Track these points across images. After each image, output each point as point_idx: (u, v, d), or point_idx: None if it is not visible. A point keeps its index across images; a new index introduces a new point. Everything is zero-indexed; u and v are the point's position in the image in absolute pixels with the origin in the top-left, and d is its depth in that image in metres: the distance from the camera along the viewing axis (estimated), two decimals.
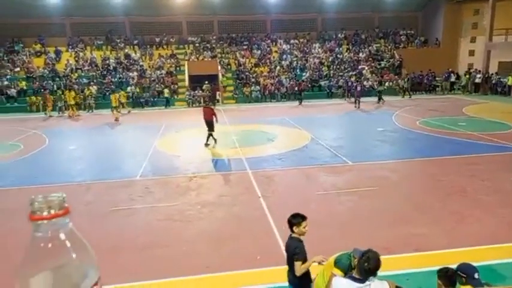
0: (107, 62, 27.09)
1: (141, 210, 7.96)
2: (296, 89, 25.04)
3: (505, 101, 22.25)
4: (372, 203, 7.80)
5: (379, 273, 4.60)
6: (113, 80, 25.67)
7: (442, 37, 29.57)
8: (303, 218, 3.96)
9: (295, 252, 3.86)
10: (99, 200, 8.61)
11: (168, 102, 24.49)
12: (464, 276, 3.40)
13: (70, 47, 28.14)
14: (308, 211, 7.46)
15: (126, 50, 28.28)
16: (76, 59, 27.12)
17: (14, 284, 0.90)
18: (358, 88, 22.85)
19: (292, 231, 3.99)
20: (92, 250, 0.99)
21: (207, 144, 13.22)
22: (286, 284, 5.28)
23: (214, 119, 12.99)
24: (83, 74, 25.91)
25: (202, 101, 24.46)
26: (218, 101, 23.75)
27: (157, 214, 7.72)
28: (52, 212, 0.91)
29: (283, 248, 6.15)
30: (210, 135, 13.18)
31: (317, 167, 10.55)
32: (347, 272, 3.48)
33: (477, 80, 26.05)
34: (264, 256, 5.94)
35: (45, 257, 0.89)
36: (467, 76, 26.86)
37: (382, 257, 4.40)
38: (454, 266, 3.58)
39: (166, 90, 24.78)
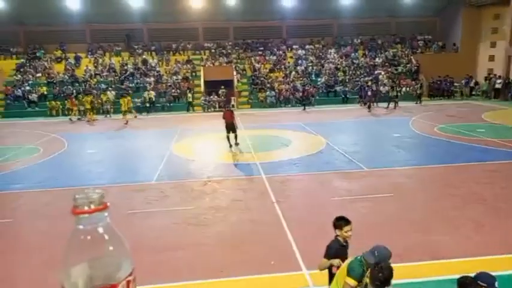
0: (125, 67, 27.63)
1: (157, 214, 8.08)
2: (301, 94, 25.12)
3: None
4: (387, 209, 7.73)
5: (393, 281, 4.58)
6: (130, 85, 26.14)
7: (461, 42, 29.10)
8: (347, 222, 3.94)
9: (326, 249, 3.97)
10: (116, 203, 8.75)
11: (190, 105, 24.78)
12: (485, 285, 3.35)
13: (89, 53, 28.84)
14: (322, 217, 7.49)
15: (144, 56, 28.80)
16: (95, 64, 27.77)
17: (57, 273, 0.97)
18: (369, 93, 23.27)
19: (336, 234, 4.03)
20: (127, 244, 1.05)
21: (237, 144, 13.80)
22: None
23: (235, 121, 13.71)
24: (101, 80, 26.49)
25: (217, 106, 24.74)
26: (233, 106, 23.87)
27: (172, 218, 7.83)
28: (92, 206, 0.98)
29: (297, 253, 6.18)
30: (235, 136, 13.77)
31: (332, 172, 10.51)
32: (360, 281, 3.42)
33: (497, 86, 25.51)
34: (278, 261, 5.95)
35: (85, 249, 0.97)
36: (488, 81, 26.36)
37: (397, 265, 4.40)
38: (471, 275, 3.53)
39: (189, 95, 25.08)
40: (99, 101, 23.40)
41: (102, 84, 25.63)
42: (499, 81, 25.46)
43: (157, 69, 27.92)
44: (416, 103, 24.48)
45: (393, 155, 12.39)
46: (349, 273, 3.44)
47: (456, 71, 26.88)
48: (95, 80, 26.30)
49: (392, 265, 3.89)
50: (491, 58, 27.85)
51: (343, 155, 12.37)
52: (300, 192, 9.29)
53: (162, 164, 11.88)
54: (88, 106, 22.14)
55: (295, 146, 14.02)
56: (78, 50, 28.62)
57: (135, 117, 22.58)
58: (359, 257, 3.49)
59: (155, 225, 7.56)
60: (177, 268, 5.91)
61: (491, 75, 26.53)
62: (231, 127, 13.60)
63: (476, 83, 27.04)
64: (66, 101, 23.66)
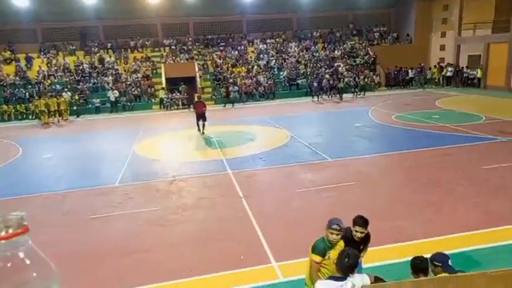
0: (81, 67, 26.51)
1: (121, 217, 7.85)
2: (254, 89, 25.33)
3: (475, 93, 23.01)
4: (352, 197, 7.94)
5: (363, 265, 4.72)
6: (87, 85, 25.15)
7: (414, 33, 30.32)
8: (336, 227, 3.75)
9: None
10: (78, 209, 8.43)
11: (161, 103, 24.28)
12: (439, 264, 3.52)
13: (42, 53, 27.41)
14: (289, 209, 7.59)
15: (100, 54, 27.76)
16: (48, 65, 26.44)
17: None
18: (315, 84, 24.60)
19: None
20: (54, 266, 0.98)
21: (203, 133, 15.50)
22: (271, 282, 5.34)
23: (205, 110, 15.54)
24: (56, 81, 25.27)
25: (180, 103, 24.35)
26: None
27: (138, 220, 7.63)
28: (10, 231, 0.90)
29: (266, 246, 6.22)
30: (203, 124, 15.56)
31: (297, 164, 10.65)
32: (324, 255, 3.65)
33: (449, 74, 26.85)
34: (248, 256, 5.97)
35: (5, 276, 0.89)
36: (434, 70, 27.73)
37: None
38: (424, 255, 3.70)
39: (161, 91, 24.44)
40: (57, 102, 22.15)
41: (57, 86, 24.46)
42: (450, 69, 26.79)
43: (116, 67, 27.01)
44: (356, 94, 24.83)
45: (355, 145, 12.74)
46: (313, 251, 3.70)
47: (410, 60, 28.02)
48: (49, 81, 25.04)
49: None
50: (442, 48, 29.24)
51: (307, 146, 12.56)
52: (267, 186, 9.35)
53: (125, 166, 11.54)
54: (43, 108, 21.09)
55: (261, 141, 14.08)
56: (29, 50, 27.07)
57: (65, 119, 21.72)
58: (321, 237, 3.78)
59: (119, 228, 7.34)
60: (144, 271, 5.78)
61: (441, 64, 27.85)
62: (201, 116, 15.42)
63: (430, 70, 28.38)
64: (18, 105, 22.38)
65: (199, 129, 15.68)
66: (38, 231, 6.50)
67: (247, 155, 12.07)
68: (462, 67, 26.39)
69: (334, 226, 3.65)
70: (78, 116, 22.55)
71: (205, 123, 15.51)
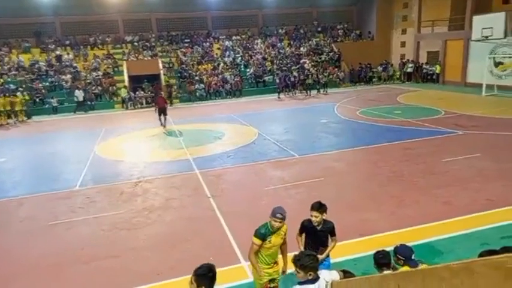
0: (36, 65, 25.18)
1: (83, 222, 7.50)
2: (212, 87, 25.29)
3: (434, 88, 23.98)
4: (319, 193, 7.99)
5: (330, 260, 4.74)
6: (44, 84, 23.94)
7: (376, 29, 31.14)
8: (279, 215, 4.05)
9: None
10: (36, 215, 7.98)
11: (124, 102, 23.55)
12: (403, 259, 3.57)
13: None
14: (258, 207, 7.53)
15: (58, 52, 26.50)
16: (0, 63, 24.90)
17: None
18: (277, 80, 25.04)
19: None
20: None
21: (164, 126, 16.38)
22: (241, 282, 5.27)
23: (166, 105, 16.89)
24: (9, 80, 23.86)
25: (144, 102, 23.73)
26: (171, 103, 22.96)
27: (101, 224, 7.32)
28: None
29: (235, 246, 6.15)
30: (165, 118, 16.53)
31: (265, 162, 10.63)
32: (265, 239, 3.96)
33: (409, 70, 27.82)
34: (217, 257, 5.85)
35: None
36: (396, 67, 28.78)
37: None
38: (387, 249, 3.75)
39: (123, 90, 23.61)
40: (13, 102, 20.85)
41: (11, 85, 23.09)
42: (410, 65, 27.77)
43: (74, 65, 25.88)
44: (319, 91, 25.16)
45: (322, 141, 12.90)
46: (255, 234, 4.00)
47: (373, 57, 28.82)
48: (2, 80, 23.59)
49: None
50: (403, 44, 30.24)
51: (275, 144, 12.58)
52: (235, 184, 9.25)
53: (86, 168, 11.07)
54: (1, 109, 19.97)
55: (228, 139, 13.95)
56: None
57: (21, 121, 20.74)
58: (265, 222, 4.05)
59: (82, 234, 7.01)
60: (109, 278, 5.54)
61: (403, 60, 28.81)
62: (162, 111, 16.43)
63: (392, 67, 29.29)
64: None
65: (161, 124, 16.50)
66: None
67: (215, 154, 11.91)
68: (422, 63, 27.41)
69: (278, 215, 3.95)
70: (29, 118, 21.36)
71: (167, 117, 16.67)
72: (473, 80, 22.89)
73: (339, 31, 32.43)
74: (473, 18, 20.97)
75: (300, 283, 3.14)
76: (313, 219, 4.26)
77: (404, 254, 3.59)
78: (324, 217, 4.30)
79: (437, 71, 25.96)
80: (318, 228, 4.30)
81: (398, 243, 3.88)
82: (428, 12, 26.55)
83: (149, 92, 23.93)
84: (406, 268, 3.51)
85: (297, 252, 3.47)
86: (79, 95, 22.68)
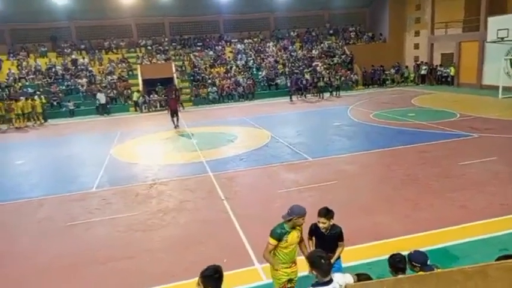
0: (53, 69, 25.72)
1: (99, 223, 7.64)
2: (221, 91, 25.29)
3: (449, 91, 23.68)
4: (332, 196, 8.00)
5: (344, 264, 4.74)
6: (60, 87, 24.43)
7: (389, 31, 30.91)
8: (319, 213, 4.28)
9: None
10: (53, 216, 8.16)
11: (136, 105, 23.85)
12: (418, 265, 3.53)
13: (11, 55, 26.45)
14: (271, 209, 7.56)
15: (73, 56, 27.02)
16: (19, 67, 25.53)
17: None
18: (289, 83, 24.98)
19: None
20: None
21: (177, 126, 17.31)
22: (255, 284, 5.31)
23: (178, 108, 18.14)
24: (27, 84, 24.43)
25: (158, 105, 24.00)
26: (183, 107, 23.12)
27: (117, 226, 7.44)
28: None
29: (249, 248, 6.18)
30: (177, 119, 17.50)
31: (278, 165, 10.66)
32: (280, 240, 4.01)
33: (423, 72, 27.52)
34: (231, 259, 5.90)
35: None
36: (411, 69, 28.49)
37: (346, 248, 4.59)
38: (407, 252, 3.73)
39: (135, 94, 23.97)
40: (32, 104, 21.32)
41: (29, 89, 23.64)
42: (424, 67, 27.47)
43: (90, 69, 26.36)
44: (332, 94, 24.96)
45: (335, 144, 12.86)
46: (271, 234, 4.04)
47: (386, 59, 28.61)
48: (20, 84, 24.19)
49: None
50: (416, 46, 29.94)
51: (288, 146, 12.59)
52: (248, 187, 9.30)
53: (102, 170, 11.26)
54: (19, 112, 20.51)
55: (241, 141, 14.02)
56: None
57: (40, 123, 21.21)
58: (280, 223, 4.09)
59: (98, 235, 7.14)
60: (124, 278, 5.63)
61: (417, 62, 28.50)
62: (174, 112, 17.42)
63: (406, 69, 29.03)
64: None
65: (174, 125, 17.38)
66: (12, 240, 6.28)
67: (228, 156, 11.99)
68: (436, 65, 27.09)
69: (303, 213, 4.08)
70: (46, 121, 21.81)
71: (179, 117, 17.76)
72: (489, 82, 22.52)
73: (351, 33, 32.28)
74: (488, 19, 20.67)
75: (313, 285, 3.17)
76: (321, 225, 4.23)
77: (419, 261, 3.55)
78: (331, 223, 4.26)
79: (451, 73, 25.62)
80: (326, 233, 4.27)
81: (412, 248, 3.86)
82: (442, 13, 26.25)
83: (162, 95, 24.18)
84: (420, 273, 3.49)
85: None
86: (101, 97, 23.08)
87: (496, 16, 20.14)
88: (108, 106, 23.48)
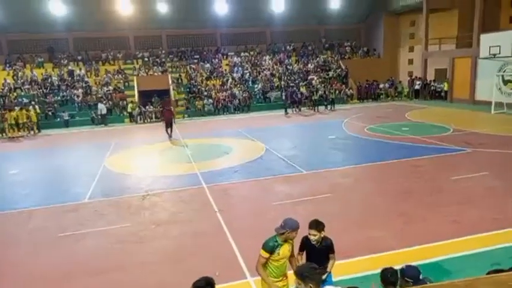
0: (49, 80, 25.74)
1: (91, 234, 7.56)
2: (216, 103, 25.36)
3: (442, 105, 23.95)
4: (327, 209, 8.00)
5: (336, 278, 4.72)
6: (56, 98, 24.42)
7: (383, 47, 31.39)
8: (310, 225, 4.30)
9: None
10: (45, 227, 8.07)
11: (131, 116, 23.87)
12: (411, 281, 3.52)
13: (7, 65, 26.47)
14: (265, 222, 7.52)
15: (70, 67, 27.08)
16: (14, 77, 25.52)
17: None
18: (283, 97, 25.26)
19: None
20: None
21: (171, 136, 17.66)
22: None
23: (173, 119, 18.33)
24: (22, 94, 24.40)
25: (154, 116, 24.03)
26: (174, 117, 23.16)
27: (109, 237, 7.37)
28: None
29: (242, 261, 6.14)
30: (171, 130, 17.84)
31: (272, 177, 10.66)
32: (273, 252, 4.01)
33: (417, 87, 27.86)
34: (223, 271, 5.85)
35: None
36: (405, 84, 28.89)
37: (339, 262, 4.57)
38: (400, 266, 3.72)
39: (130, 105, 23.99)
40: (28, 115, 21.26)
41: (24, 99, 23.60)
42: (418, 82, 27.83)
43: (86, 80, 26.41)
44: (327, 108, 25.14)
45: (329, 157, 12.91)
46: (263, 247, 4.06)
47: (380, 74, 29.00)
48: (15, 94, 24.15)
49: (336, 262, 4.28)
50: (411, 61, 30.40)
51: (282, 159, 12.61)
52: (242, 199, 9.28)
53: (95, 181, 11.19)
54: (13, 122, 20.43)
55: (236, 154, 14.03)
56: None
57: (35, 134, 21.14)
58: (273, 235, 4.10)
59: (89, 246, 7.06)
60: None
61: (412, 78, 28.87)
62: (169, 123, 17.78)
63: (400, 84, 29.38)
64: None
65: (168, 135, 17.82)
66: (2, 250, 6.18)
67: (223, 168, 11.98)
68: (430, 80, 27.45)
69: (296, 227, 4.09)
70: (40, 131, 21.74)
71: (173, 128, 18.19)
72: (481, 97, 22.84)
73: (346, 48, 32.73)
74: (480, 36, 21.08)
75: None
76: (311, 237, 4.22)
77: (412, 276, 3.53)
78: (322, 235, 4.25)
79: (445, 88, 25.97)
80: (317, 246, 4.26)
81: (405, 262, 3.86)
82: (436, 30, 26.73)
83: (158, 107, 24.23)
84: None
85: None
86: (102, 108, 23.12)
87: (488, 33, 20.55)
88: (107, 117, 23.47)
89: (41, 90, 24.95)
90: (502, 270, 3.33)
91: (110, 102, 24.59)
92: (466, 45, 24.38)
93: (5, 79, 24.90)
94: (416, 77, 28.45)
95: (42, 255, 6.80)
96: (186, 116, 24.95)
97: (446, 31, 25.95)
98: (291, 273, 4.31)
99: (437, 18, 26.45)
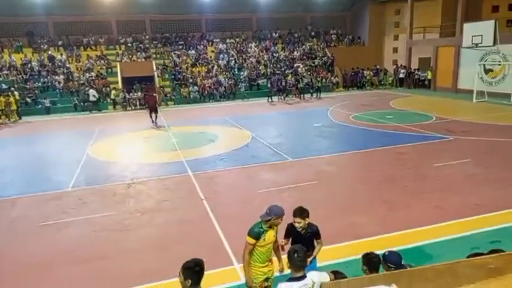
0: (29, 65, 24.98)
1: (75, 223, 7.46)
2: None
3: (426, 94, 24.28)
4: (312, 196, 8.08)
5: (321, 263, 4.79)
6: (36, 84, 23.76)
7: (369, 35, 31.48)
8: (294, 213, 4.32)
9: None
10: (26, 216, 7.92)
11: (114, 103, 23.55)
12: (393, 266, 3.58)
13: None
14: (250, 209, 7.56)
15: (50, 52, 26.31)
16: None
17: None
18: (269, 84, 25.05)
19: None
20: None
21: (156, 123, 17.52)
22: (233, 284, 5.30)
23: (157, 104, 18.32)
24: (1, 79, 23.64)
25: (138, 103, 23.66)
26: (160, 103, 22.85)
27: (93, 225, 7.29)
28: None
29: (228, 248, 6.17)
30: (156, 116, 17.75)
31: (258, 165, 10.67)
32: (258, 238, 4.05)
33: (401, 75, 28.14)
34: (209, 258, 5.81)
35: None
36: (391, 73, 29.06)
37: (324, 248, 4.62)
38: (381, 252, 3.78)
39: (114, 92, 23.52)
40: (5, 102, 20.64)
41: (3, 85, 22.88)
42: (402, 71, 28.09)
43: (67, 65, 25.74)
44: (312, 96, 25.21)
45: (315, 144, 12.98)
46: (249, 233, 4.10)
47: (365, 62, 29.11)
48: None
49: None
50: (395, 50, 30.60)
51: (268, 147, 12.63)
52: (228, 187, 9.28)
53: (78, 169, 11.01)
54: None
55: (222, 141, 13.97)
56: None
57: (15, 121, 20.70)
58: (258, 221, 4.14)
59: (73, 235, 6.97)
60: (99, 279, 5.52)
61: (398, 66, 29.09)
62: (154, 109, 17.69)
63: (385, 73, 29.58)
64: None
65: (152, 121, 17.64)
66: None
67: (209, 156, 11.93)
68: (414, 69, 27.74)
69: (281, 214, 4.12)
70: (20, 118, 21.21)
71: (158, 114, 18.11)
72: (464, 86, 23.22)
73: (332, 36, 32.70)
74: (463, 25, 21.31)
75: (287, 280, 3.20)
76: (296, 225, 4.26)
77: (394, 262, 3.58)
78: (307, 222, 4.28)
79: (428, 77, 26.29)
80: (303, 233, 4.29)
81: (388, 247, 3.93)
82: (420, 18, 26.91)
83: (141, 94, 23.83)
84: None
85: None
86: (94, 93, 22.63)
87: (471, 22, 20.79)
88: (98, 103, 23.11)
89: (20, 76, 24.21)
90: (481, 254, 3.43)
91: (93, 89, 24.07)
92: (449, 34, 24.65)
93: None
94: (400, 65, 28.70)
95: (24, 244, 6.68)
96: (167, 103, 24.55)
97: (430, 20, 26.16)
98: (275, 259, 4.38)
99: (422, 7, 26.60)
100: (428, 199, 7.76)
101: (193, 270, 3.09)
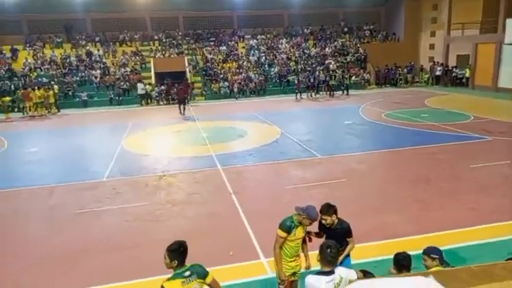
0: (68, 60, 26.04)
1: (108, 212, 7.75)
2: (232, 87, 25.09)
3: (463, 92, 23.32)
4: (341, 194, 7.98)
5: (352, 261, 4.72)
6: (74, 78, 24.75)
7: (404, 31, 30.53)
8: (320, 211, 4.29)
9: None
10: (64, 203, 8.30)
11: (149, 98, 24.09)
12: (437, 257, 3.53)
13: (27, 45, 26.84)
14: (278, 205, 7.58)
15: (88, 48, 27.30)
16: (34, 57, 25.89)
17: None
18: (296, 81, 24.67)
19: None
20: None
21: (183, 114, 19.01)
22: (260, 278, 5.34)
23: (187, 98, 20.27)
24: (42, 73, 24.79)
25: (170, 98, 24.08)
26: (189, 99, 23.17)
27: (126, 215, 7.54)
28: None
29: (255, 242, 6.22)
30: (184, 108, 19.21)
31: (287, 161, 10.65)
32: (289, 233, 4.06)
33: (437, 73, 27.14)
34: (237, 252, 5.95)
35: None
36: (427, 70, 28.10)
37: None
38: (412, 253, 3.70)
39: (147, 87, 24.11)
40: (47, 95, 21.66)
41: (44, 78, 23.98)
42: (439, 68, 27.09)
43: (104, 61, 26.62)
44: (343, 93, 24.72)
45: (345, 142, 12.79)
46: (280, 226, 4.11)
47: (400, 59, 28.28)
48: (35, 73, 24.55)
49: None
50: (432, 47, 29.52)
51: (297, 143, 12.57)
52: (257, 182, 9.32)
53: (113, 161, 11.40)
54: (37, 101, 21.07)
55: (251, 137, 14.03)
56: (14, 42, 26.46)
57: (54, 113, 21.63)
58: (290, 215, 4.15)
59: (107, 223, 7.25)
60: (132, 266, 5.71)
61: (434, 63, 28.06)
62: (182, 101, 19.34)
63: (421, 70, 28.66)
64: (3, 98, 21.81)
65: (180, 112, 19.09)
66: (23, 226, 6.39)
67: (238, 151, 12.02)
68: (451, 66, 26.69)
69: (316, 216, 4.11)
70: (59, 110, 22.17)
71: (186, 106, 19.61)
72: (505, 85, 22.11)
73: (366, 32, 31.96)
74: (506, 21, 20.26)
75: (315, 273, 3.20)
76: (323, 222, 4.26)
77: (437, 253, 3.57)
78: (334, 218, 4.23)
79: (467, 75, 25.22)
80: (332, 228, 4.26)
81: (421, 248, 3.83)
82: (459, 14, 25.80)
83: (175, 89, 24.22)
84: (438, 268, 3.47)
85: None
86: (141, 87, 23.38)
87: None
88: (146, 97, 23.83)
89: (59, 70, 25.28)
90: None
91: (128, 84, 24.75)
92: (490, 31, 23.48)
93: (25, 59, 25.29)
94: (437, 62, 27.68)
95: (61, 231, 7.01)
96: (194, 98, 24.79)
97: (469, 16, 25.00)
98: (302, 254, 4.38)
99: (461, 2, 25.48)
100: (463, 200, 7.48)
101: (179, 252, 3.37)
